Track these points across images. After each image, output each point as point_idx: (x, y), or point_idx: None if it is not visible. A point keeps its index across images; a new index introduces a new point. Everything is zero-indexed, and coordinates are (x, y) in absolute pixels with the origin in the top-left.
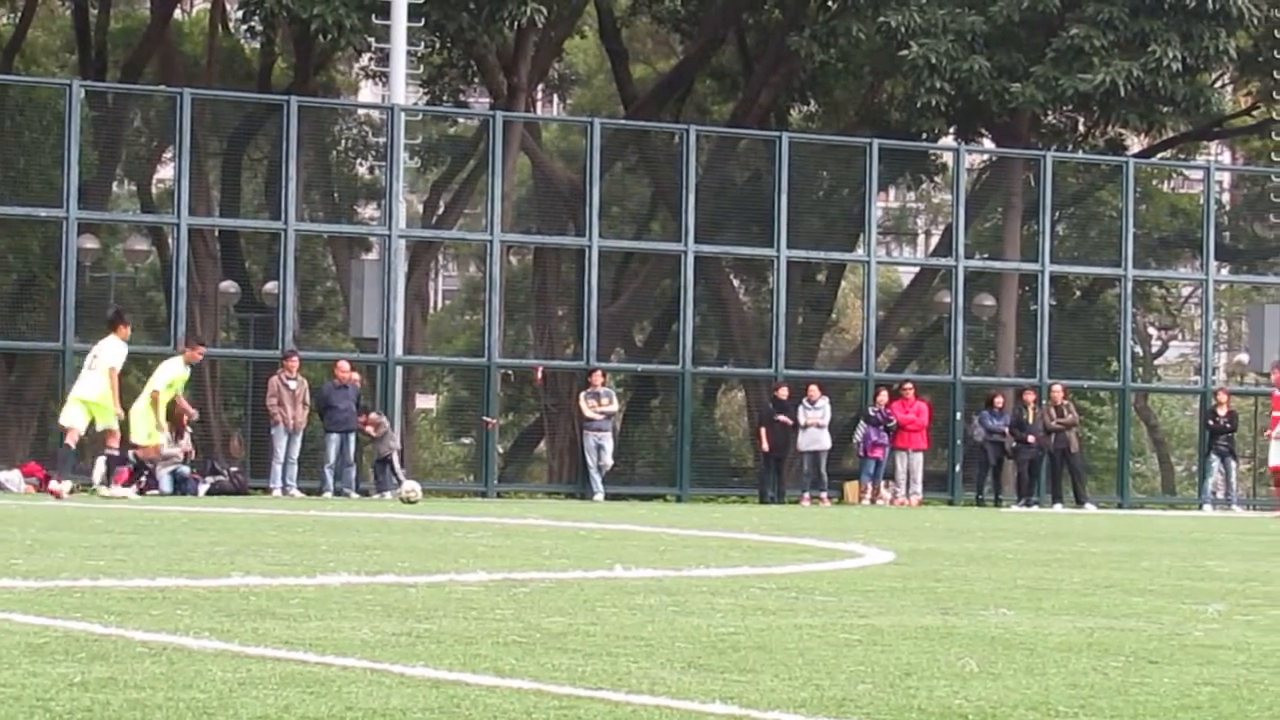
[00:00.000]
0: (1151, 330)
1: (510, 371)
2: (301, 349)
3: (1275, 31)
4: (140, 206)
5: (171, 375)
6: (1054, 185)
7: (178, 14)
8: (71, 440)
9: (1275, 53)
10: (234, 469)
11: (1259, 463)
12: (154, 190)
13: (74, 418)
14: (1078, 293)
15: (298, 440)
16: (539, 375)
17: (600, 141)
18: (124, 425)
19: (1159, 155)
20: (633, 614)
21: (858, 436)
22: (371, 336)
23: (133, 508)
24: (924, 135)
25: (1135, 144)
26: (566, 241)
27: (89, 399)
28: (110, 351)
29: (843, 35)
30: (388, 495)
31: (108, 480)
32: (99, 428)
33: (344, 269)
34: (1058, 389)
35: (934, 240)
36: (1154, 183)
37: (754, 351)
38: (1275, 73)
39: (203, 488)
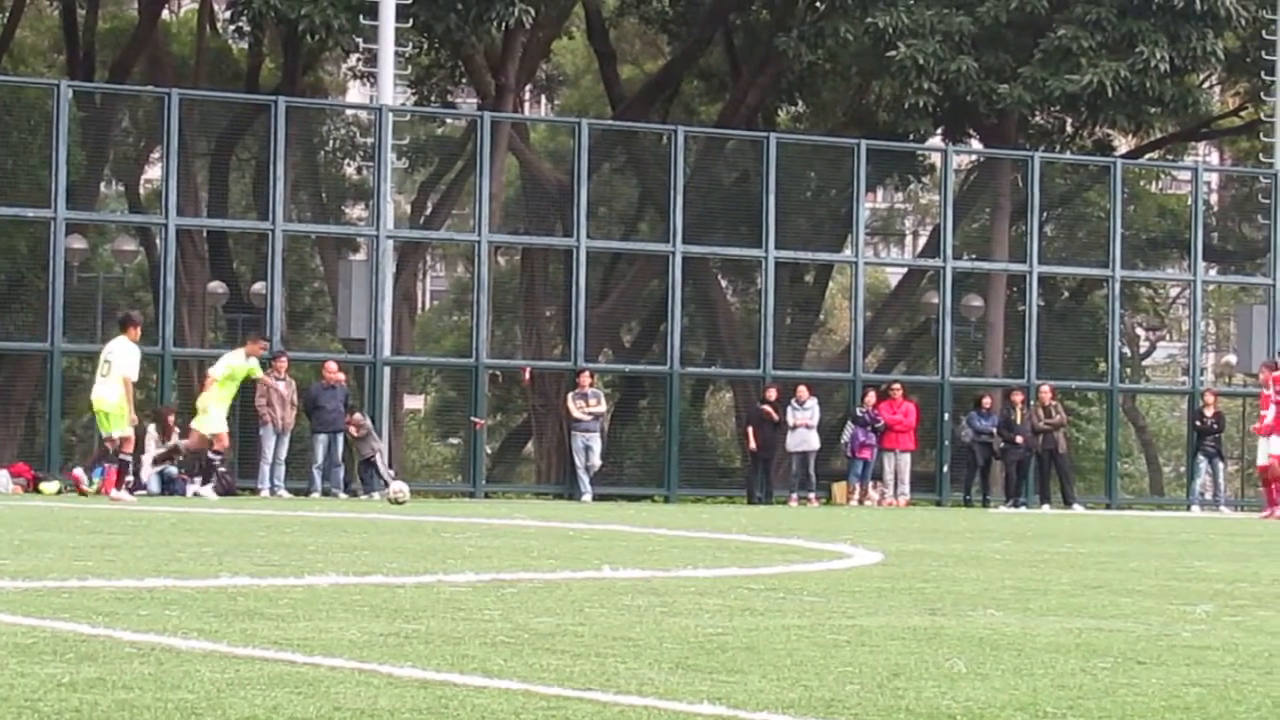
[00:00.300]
0: (1139, 331)
1: (498, 372)
2: (289, 349)
3: (1263, 32)
4: (128, 207)
5: (231, 365)
6: (1042, 186)
7: (166, 14)
8: (111, 446)
9: (1263, 53)
10: (222, 470)
11: (1247, 464)
12: (142, 190)
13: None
14: (1066, 293)
15: (286, 441)
16: (527, 376)
17: (588, 142)
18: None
19: (1147, 156)
20: (621, 614)
21: (845, 437)
22: (359, 337)
23: (124, 509)
24: (912, 136)
25: (1123, 145)
26: (554, 242)
27: (106, 409)
28: (123, 359)
29: (830, 36)
30: (375, 496)
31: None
32: (115, 434)
33: (332, 269)
34: (1045, 390)
35: (922, 241)
36: (1142, 183)
37: (742, 352)
38: (1263, 73)
39: (191, 488)
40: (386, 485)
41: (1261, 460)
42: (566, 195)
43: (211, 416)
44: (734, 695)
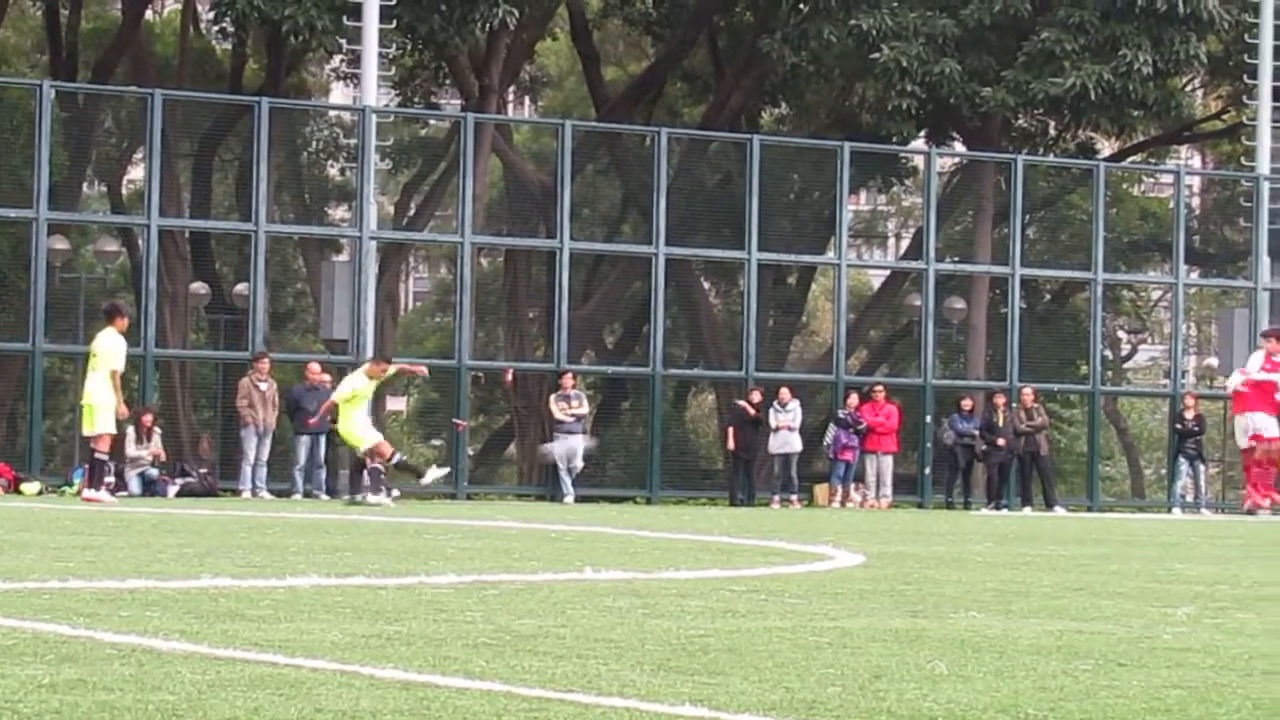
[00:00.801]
0: (1121, 334)
1: (481, 374)
2: (272, 351)
3: (1245, 36)
4: (110, 207)
5: (354, 388)
6: (1025, 189)
7: (149, 15)
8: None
9: (1245, 57)
10: (204, 470)
11: (1228, 466)
12: (124, 191)
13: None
14: (1048, 296)
15: (268, 442)
16: (509, 377)
17: (571, 143)
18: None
19: (1129, 159)
20: (603, 616)
21: (828, 439)
22: (342, 338)
23: (105, 509)
24: (895, 138)
25: (1106, 148)
26: (537, 243)
27: (89, 403)
28: (108, 351)
29: (814, 38)
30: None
31: (370, 489)
32: (95, 430)
33: (314, 271)
34: (1028, 392)
35: (904, 243)
36: (1124, 186)
37: (724, 354)
38: (1245, 77)
39: (172, 489)
40: (379, 484)
41: (1243, 443)
42: (550, 197)
43: (359, 432)
44: (716, 697)
